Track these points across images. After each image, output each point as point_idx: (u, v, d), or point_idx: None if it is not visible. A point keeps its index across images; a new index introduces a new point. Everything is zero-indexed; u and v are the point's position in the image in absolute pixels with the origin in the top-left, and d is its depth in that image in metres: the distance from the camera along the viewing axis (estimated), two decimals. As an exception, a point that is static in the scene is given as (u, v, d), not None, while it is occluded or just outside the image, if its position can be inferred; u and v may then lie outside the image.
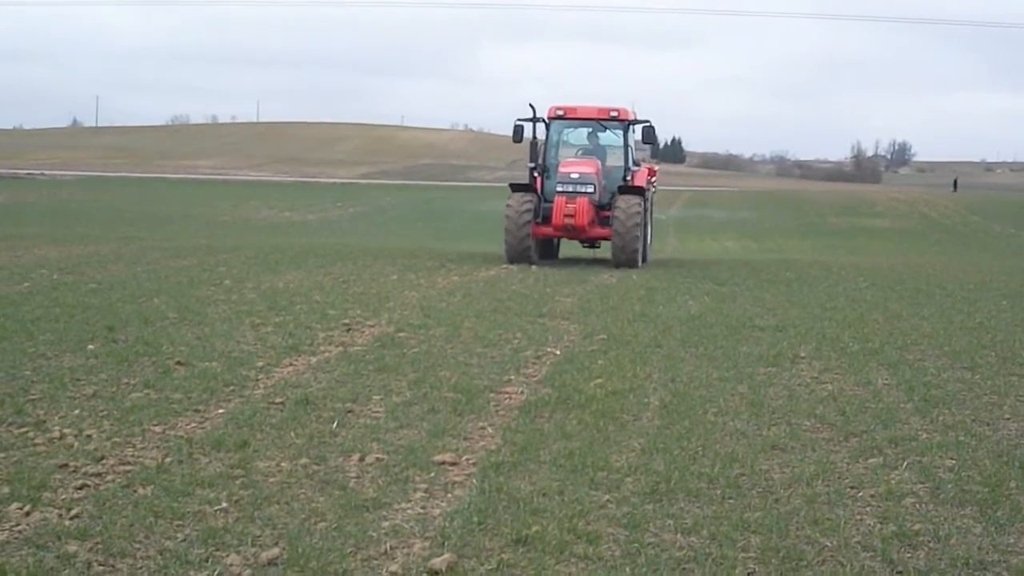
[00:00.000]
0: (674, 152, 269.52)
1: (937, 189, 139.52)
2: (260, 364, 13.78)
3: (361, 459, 9.72)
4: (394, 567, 7.17)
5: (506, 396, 12.46)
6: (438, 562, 7.13)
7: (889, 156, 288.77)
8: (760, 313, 19.37)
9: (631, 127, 32.13)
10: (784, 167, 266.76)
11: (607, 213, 30.36)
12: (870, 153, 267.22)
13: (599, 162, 31.28)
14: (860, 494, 8.95)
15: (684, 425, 11.08)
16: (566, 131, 32.99)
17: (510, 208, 30.24)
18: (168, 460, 9.50)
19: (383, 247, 34.30)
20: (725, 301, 21.18)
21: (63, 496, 8.49)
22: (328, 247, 34.80)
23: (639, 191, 30.63)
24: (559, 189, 29.92)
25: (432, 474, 9.32)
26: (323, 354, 14.68)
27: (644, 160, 36.70)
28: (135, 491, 8.65)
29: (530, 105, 31.93)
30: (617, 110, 31.69)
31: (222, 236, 41.81)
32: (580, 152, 32.75)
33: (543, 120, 31.97)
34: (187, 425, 10.77)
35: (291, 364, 13.92)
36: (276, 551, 7.38)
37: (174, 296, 19.77)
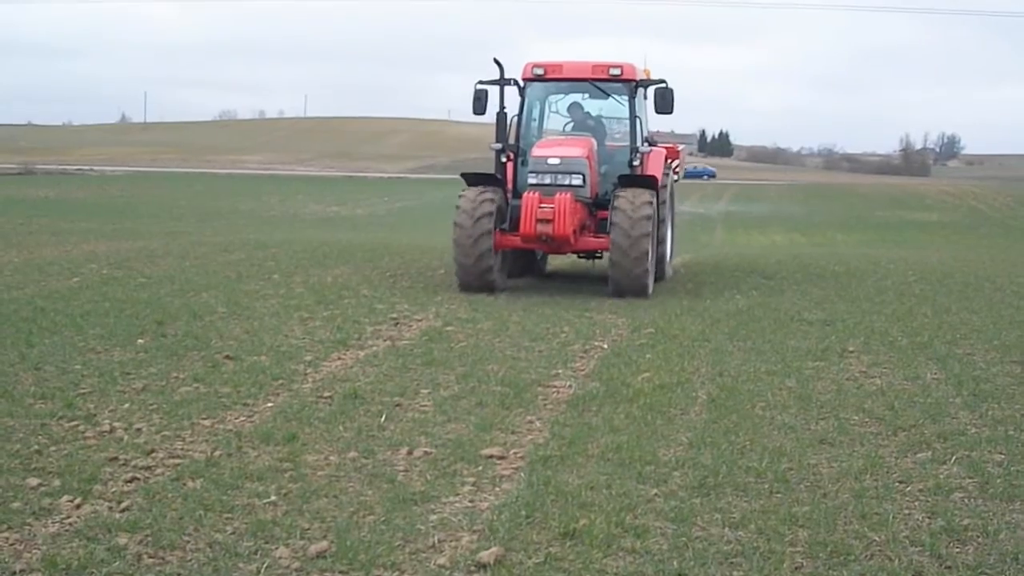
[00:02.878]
0: (721, 145, 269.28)
1: (986, 182, 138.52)
2: (308, 358, 13.83)
3: (409, 453, 9.75)
4: (442, 560, 7.19)
5: (554, 390, 12.46)
6: (486, 555, 7.15)
7: (938, 149, 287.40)
8: (808, 307, 19.28)
9: (640, 90, 22.85)
10: (832, 160, 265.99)
11: (604, 213, 21.44)
12: (919, 146, 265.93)
13: (593, 141, 22.24)
14: (909, 489, 8.91)
15: (732, 419, 11.06)
16: (550, 98, 23.90)
17: (461, 210, 20.86)
18: (217, 453, 9.56)
19: (430, 241, 34.25)
20: (773, 295, 21.10)
21: (113, 489, 8.56)
22: (375, 241, 34.81)
23: (651, 182, 21.53)
24: (531, 181, 21.11)
25: (480, 468, 9.34)
26: (371, 348, 14.72)
27: (660, 139, 26.18)
28: (184, 484, 8.71)
29: (495, 61, 22.64)
30: (620, 66, 22.38)
31: (270, 231, 41.91)
32: (570, 127, 23.65)
33: (515, 82, 22.78)
34: (236, 419, 10.83)
35: (339, 358, 13.96)
36: (325, 544, 7.41)
37: (223, 290, 19.84)
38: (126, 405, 11.21)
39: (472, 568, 7.04)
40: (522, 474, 9.12)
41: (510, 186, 22.47)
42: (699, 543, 7.55)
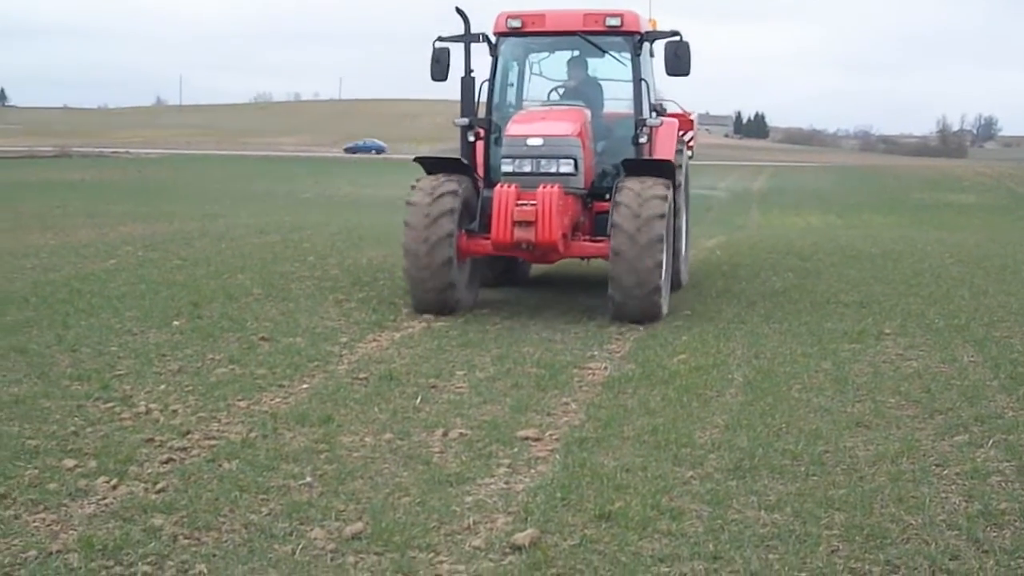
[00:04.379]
0: (757, 127, 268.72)
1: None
2: (344, 339, 13.85)
3: (445, 434, 9.76)
4: (477, 542, 7.19)
5: (589, 372, 12.45)
6: (521, 537, 7.14)
7: (975, 131, 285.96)
8: (844, 289, 19.20)
9: (646, 46, 17.79)
10: (868, 142, 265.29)
11: (605, 205, 16.66)
12: (955, 128, 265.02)
13: (586, 112, 17.19)
14: (945, 472, 8.86)
15: (768, 401, 11.03)
16: (531, 57, 18.83)
17: (413, 206, 16.19)
18: (253, 435, 9.58)
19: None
20: (809, 277, 21.01)
21: (149, 470, 8.60)
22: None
23: (663, 168, 16.79)
24: (506, 168, 16.39)
25: (515, 449, 9.34)
26: (407, 330, 14.74)
27: (670, 107, 20.52)
28: (220, 465, 8.74)
29: (458, 11, 17.70)
30: (619, 14, 17.59)
31: (305, 213, 41.96)
32: (558, 94, 18.52)
33: (484, 38, 17.92)
34: (272, 400, 10.86)
35: (375, 339, 13.98)
36: (360, 525, 7.42)
37: (258, 272, 19.88)
38: (162, 387, 11.26)
39: (507, 550, 7.04)
40: (557, 456, 9.12)
41: (481, 172, 17.64)
42: (735, 526, 7.53)
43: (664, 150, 18.20)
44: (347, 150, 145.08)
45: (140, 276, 18.94)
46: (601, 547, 7.12)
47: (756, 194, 78.47)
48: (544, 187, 15.76)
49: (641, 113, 17.46)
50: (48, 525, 7.39)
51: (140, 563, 6.77)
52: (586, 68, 18.47)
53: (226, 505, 7.81)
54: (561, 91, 18.48)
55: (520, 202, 15.71)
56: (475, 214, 16.70)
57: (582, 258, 18.60)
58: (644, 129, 17.41)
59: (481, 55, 19.03)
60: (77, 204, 41.17)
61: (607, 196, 16.53)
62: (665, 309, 16.17)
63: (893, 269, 22.54)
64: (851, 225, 49.96)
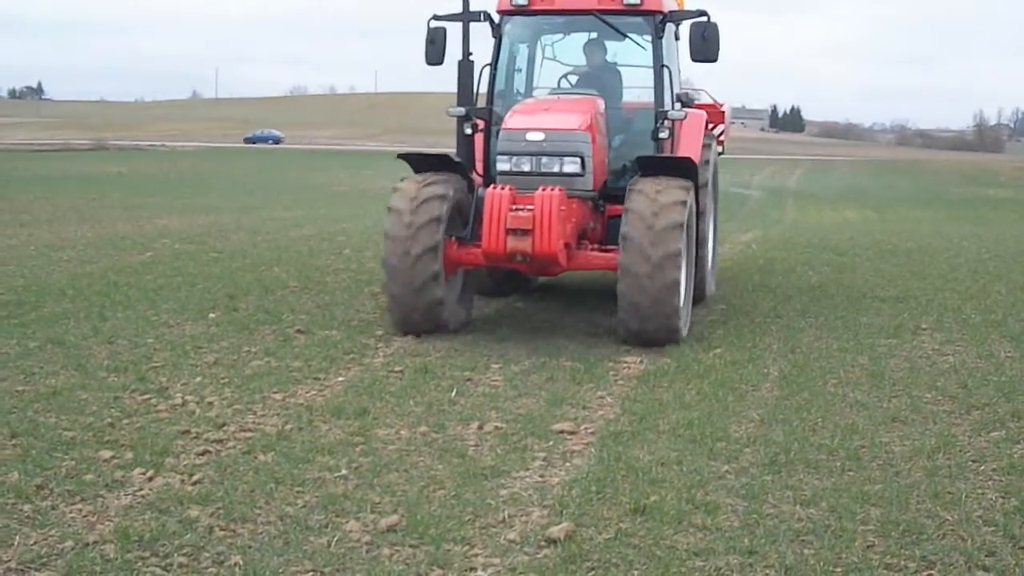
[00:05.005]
0: (793, 121, 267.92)
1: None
2: (379, 332, 13.88)
3: (480, 427, 9.77)
4: (512, 535, 7.20)
5: (625, 365, 12.44)
6: (556, 531, 7.14)
7: (1012, 125, 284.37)
8: (881, 284, 19.13)
9: (669, 27, 15.71)
10: (905, 136, 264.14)
11: (618, 209, 14.23)
12: (992, 122, 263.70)
13: (598, 102, 15.06)
14: (982, 468, 8.83)
15: (803, 396, 11.01)
16: (544, 39, 16.95)
17: (393, 211, 14.06)
18: (288, 427, 9.61)
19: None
20: (845, 271, 20.94)
21: (185, 462, 8.63)
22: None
23: (685, 167, 14.54)
24: (501, 167, 14.35)
25: (551, 443, 9.34)
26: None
27: (699, 97, 19.32)
28: (256, 457, 8.77)
29: None
30: None
31: (340, 206, 41.98)
32: (569, 81, 16.55)
33: (486, 17, 15.85)
34: (307, 393, 10.89)
35: (410, 332, 13.97)
36: (395, 518, 7.43)
37: (294, 265, 19.93)
38: (198, 379, 11.30)
39: (542, 543, 7.04)
40: (593, 449, 9.12)
41: (480, 170, 15.55)
42: (770, 520, 7.52)
43: (688, 146, 16.11)
44: (246, 140, 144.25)
45: (176, 269, 19.00)
46: (636, 541, 7.12)
47: (792, 188, 78.27)
48: (543, 190, 13.53)
49: (662, 104, 15.15)
50: (85, 516, 7.43)
51: (176, 554, 6.80)
52: (604, 52, 16.44)
53: (262, 497, 7.84)
54: (574, 78, 16.44)
55: (515, 207, 13.49)
56: (468, 219, 14.47)
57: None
58: (665, 123, 15.04)
59: (481, 35, 17.17)
60: (113, 197, 41.33)
61: (621, 197, 14.09)
62: (685, 331, 13.98)
63: (929, 264, 22.45)
64: (887, 220, 49.78)
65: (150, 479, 8.17)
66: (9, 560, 6.67)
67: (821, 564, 6.80)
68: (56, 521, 7.31)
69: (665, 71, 15.18)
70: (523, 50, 16.69)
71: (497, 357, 12.66)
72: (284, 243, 23.95)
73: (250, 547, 6.95)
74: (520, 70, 16.65)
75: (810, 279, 19.78)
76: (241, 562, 6.71)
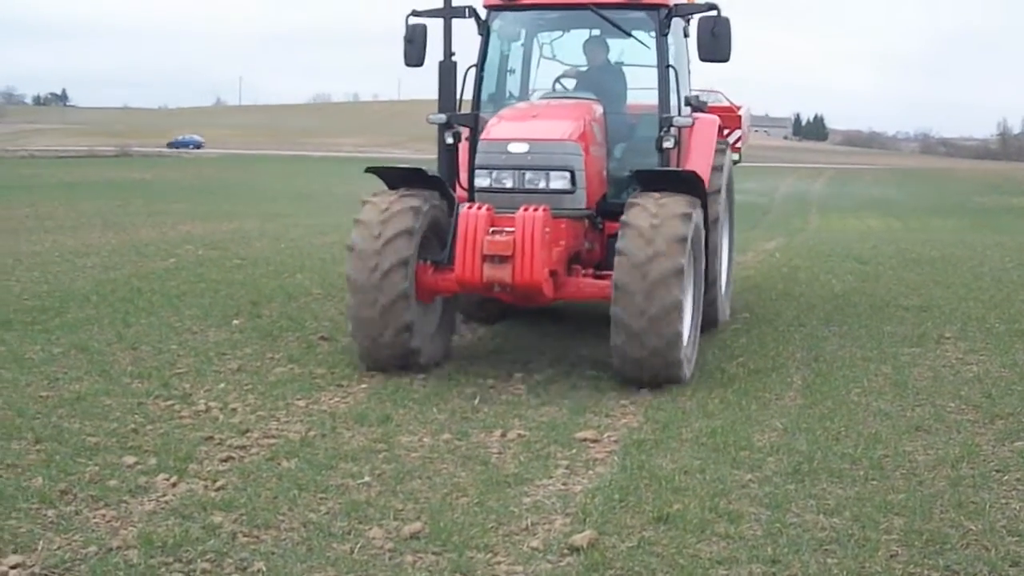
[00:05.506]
0: (816, 129, 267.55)
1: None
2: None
3: (503, 435, 9.78)
4: (535, 543, 7.20)
5: (647, 374, 12.41)
6: (579, 539, 7.14)
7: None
8: (904, 292, 19.07)
9: (676, 22, 13.94)
10: (928, 145, 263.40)
11: (616, 226, 12.46)
12: (1016, 131, 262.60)
13: (594, 108, 13.37)
14: (1006, 477, 8.79)
15: (827, 405, 10.98)
16: (539, 36, 15.13)
17: (359, 231, 12.39)
18: (312, 434, 9.64)
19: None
20: (868, 280, 20.88)
21: (208, 468, 8.66)
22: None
23: (691, 182, 12.95)
24: (479, 184, 12.73)
25: (574, 451, 9.35)
26: (464, 331, 14.74)
27: (711, 98, 18.31)
28: (279, 464, 8.80)
29: None
30: None
31: (363, 213, 41.98)
32: (562, 84, 14.86)
33: (471, 13, 14.12)
34: (330, 399, 10.93)
35: (432, 340, 13.98)
36: (418, 525, 7.45)
37: (317, 272, 19.97)
38: (221, 385, 11.34)
39: (565, 551, 7.04)
40: (616, 458, 9.12)
41: (463, 186, 13.64)
42: (793, 529, 7.51)
43: (698, 156, 14.58)
44: (169, 145, 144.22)
45: (200, 275, 19.05)
46: (659, 549, 7.11)
47: (815, 197, 78.15)
48: (526, 210, 11.87)
49: (667, 109, 13.45)
50: (108, 521, 7.46)
51: (199, 560, 6.82)
52: (606, 51, 14.55)
53: (285, 503, 7.86)
54: (571, 80, 14.78)
55: (494, 229, 11.85)
56: (446, 240, 12.73)
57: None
58: (671, 130, 13.32)
59: (465, 33, 14.42)
60: (137, 203, 41.50)
61: (619, 214, 12.40)
62: (688, 370, 12.16)
63: (953, 273, 22.37)
64: (911, 228, 49.69)
65: (173, 485, 8.20)
66: (33, 565, 6.70)
67: (844, 573, 6.79)
68: (80, 526, 7.34)
69: (671, 72, 13.48)
70: (516, 49, 14.88)
71: (520, 366, 12.68)
72: (307, 250, 24.00)
73: (273, 553, 6.96)
74: (513, 71, 14.85)
75: (833, 288, 19.73)
76: (264, 568, 6.73)
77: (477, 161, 12.74)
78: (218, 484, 8.23)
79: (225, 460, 8.87)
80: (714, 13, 13.15)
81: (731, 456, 9.17)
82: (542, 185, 12.40)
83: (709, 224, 13.81)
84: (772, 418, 10.47)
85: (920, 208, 68.73)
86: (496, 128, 12.78)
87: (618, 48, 14.66)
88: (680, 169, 13.53)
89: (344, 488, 8.26)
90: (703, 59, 13.31)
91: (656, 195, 12.32)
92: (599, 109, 13.34)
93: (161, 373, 11.72)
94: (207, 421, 10.02)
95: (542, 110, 13.44)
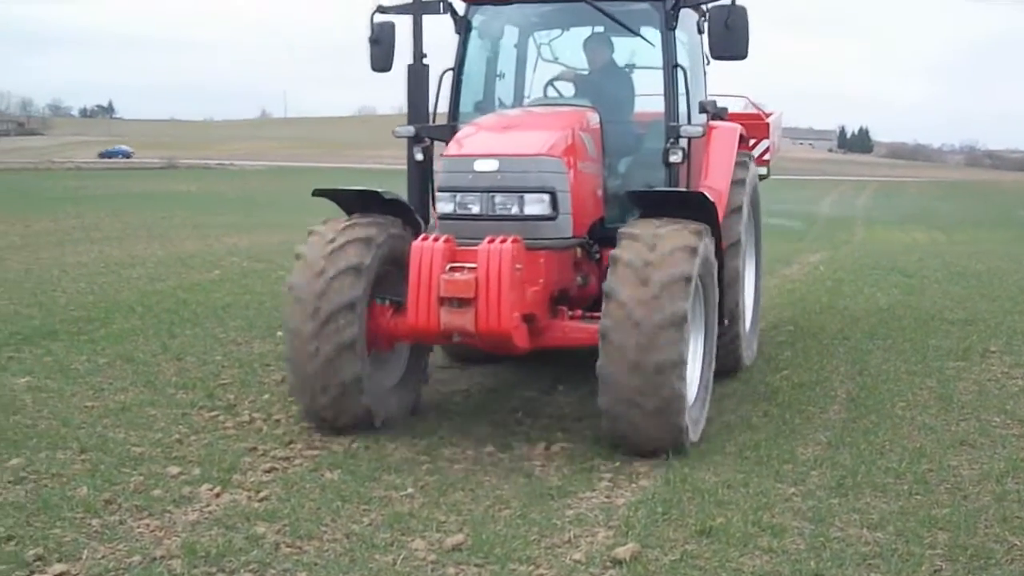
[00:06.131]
0: (861, 142, 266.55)
1: None
2: (445, 353, 13.86)
3: (546, 448, 9.78)
4: (577, 555, 7.19)
5: (691, 387, 12.38)
6: (622, 551, 7.13)
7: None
8: (949, 306, 18.96)
9: (686, 14, 11.91)
10: (974, 157, 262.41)
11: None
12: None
13: (586, 117, 11.24)
14: (1052, 492, 8.75)
15: (871, 419, 10.93)
16: (537, 36, 13.04)
17: (302, 260, 10.26)
18: (355, 445, 9.66)
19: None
20: (913, 293, 20.78)
21: (252, 479, 8.69)
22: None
23: (698, 204, 10.70)
24: (442, 210, 10.65)
25: (617, 464, 9.33)
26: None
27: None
28: (322, 475, 8.82)
29: None
30: None
31: (407, 225, 42.09)
32: (556, 88, 12.55)
33: (448, 8, 12.35)
34: (374, 411, 10.92)
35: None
36: (461, 537, 7.46)
37: (361, 284, 19.96)
38: (266, 396, 11.39)
39: (608, 564, 7.03)
40: (659, 471, 9.09)
41: (435, 212, 11.47)
42: (836, 543, 7.48)
43: (715, 171, 12.71)
44: (100, 155, 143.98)
45: (244, 287, 19.14)
46: (701, 563, 7.10)
47: (860, 209, 77.82)
48: (491, 241, 9.60)
49: (675, 116, 11.34)
50: (152, 531, 7.50)
51: (242, 570, 6.85)
52: (610, 51, 12.33)
53: (328, 514, 7.88)
54: (568, 85, 12.50)
55: (452, 266, 9.62)
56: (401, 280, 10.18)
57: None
58: (679, 141, 11.21)
59: (439, 31, 12.66)
60: (182, 215, 41.68)
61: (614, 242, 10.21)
62: (696, 433, 9.93)
63: (999, 286, 22.23)
64: (956, 241, 49.41)
65: (217, 495, 8.23)
66: (78, 574, 6.75)
67: (888, 588, 6.76)
68: (124, 536, 7.38)
69: (679, 73, 11.41)
70: (508, 50, 12.83)
71: (564, 379, 12.64)
72: (351, 262, 23.99)
73: (316, 564, 6.98)
74: (503, 76, 12.70)
75: (878, 301, 19.65)
76: (307, 579, 6.75)
77: (438, 182, 10.79)
78: (261, 495, 8.26)
79: (269, 471, 8.90)
80: (727, 2, 10.89)
81: (774, 469, 9.15)
82: (515, 210, 10.16)
83: (727, 249, 11.78)
84: (816, 431, 10.44)
85: (965, 221, 68.34)
86: (460, 142, 10.70)
87: (628, 48, 12.36)
88: (685, 189, 11.38)
89: (387, 500, 8.28)
90: (716, 56, 11.26)
91: (656, 222, 10.09)
92: (594, 118, 11.24)
93: (206, 384, 11.78)
94: (251, 432, 10.06)
95: (521, 120, 11.43)
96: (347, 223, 10.42)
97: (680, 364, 9.25)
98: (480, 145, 10.48)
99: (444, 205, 10.43)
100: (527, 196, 10.13)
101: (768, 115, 16.22)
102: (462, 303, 9.43)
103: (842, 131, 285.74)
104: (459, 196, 10.27)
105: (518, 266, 9.53)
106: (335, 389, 9.85)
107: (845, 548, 7.39)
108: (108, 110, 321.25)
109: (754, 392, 12.05)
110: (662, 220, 10.09)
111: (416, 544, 7.35)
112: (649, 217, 10.27)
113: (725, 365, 12.14)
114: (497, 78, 12.60)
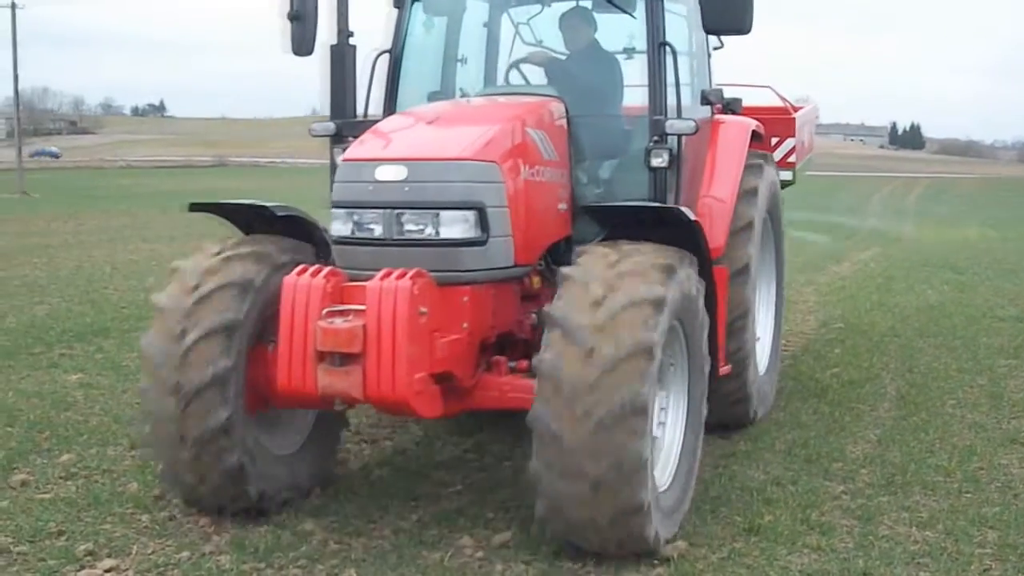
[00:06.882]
0: (913, 138, 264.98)
1: None
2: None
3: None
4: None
5: (740, 384, 12.33)
6: (669, 549, 7.11)
7: None
8: (1001, 303, 18.85)
9: None
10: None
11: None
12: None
13: (545, 107, 8.41)
14: (1103, 491, 8.69)
15: (921, 416, 10.88)
16: (511, 11, 10.13)
17: (159, 312, 7.68)
18: (404, 443, 9.67)
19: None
20: (964, 291, 20.67)
21: (302, 476, 8.69)
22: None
23: (677, 222, 7.83)
24: (335, 231, 7.72)
25: (664, 461, 9.30)
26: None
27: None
28: (371, 472, 8.87)
29: None
30: None
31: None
32: (521, 74, 9.78)
33: None
34: (423, 409, 10.93)
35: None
36: (508, 534, 7.47)
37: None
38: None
39: (655, 561, 7.02)
40: (707, 468, 9.05)
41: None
42: (885, 542, 7.45)
43: (718, 178, 9.97)
44: (31, 155, 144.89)
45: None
46: (749, 561, 7.09)
47: (911, 206, 77.38)
48: (384, 277, 7.01)
49: (660, 109, 8.69)
50: (201, 527, 7.55)
51: (291, 566, 6.88)
52: (593, 30, 9.62)
53: (376, 511, 7.90)
54: (537, 70, 9.83)
55: (332, 309, 7.10)
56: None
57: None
58: (664, 140, 8.58)
59: (371, 8, 10.71)
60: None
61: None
62: (667, 532, 7.18)
63: (1051, 283, 22.07)
64: (1008, 238, 49.05)
65: (266, 492, 8.25)
66: (127, 569, 6.81)
67: (937, 587, 6.74)
68: (173, 531, 7.45)
69: (666, 53, 8.73)
70: (471, 29, 10.28)
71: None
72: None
73: (364, 561, 7.01)
74: (465, 61, 10.15)
75: (929, 298, 19.54)
76: (355, 575, 6.76)
77: (332, 195, 7.90)
78: (311, 491, 8.28)
79: (318, 468, 8.92)
80: None
81: (823, 467, 9.12)
82: (429, 232, 7.40)
83: (733, 278, 9.64)
84: (865, 429, 10.40)
85: (1017, 218, 67.86)
86: (364, 142, 8.04)
87: (621, 28, 9.55)
88: (654, 203, 8.57)
89: (435, 497, 8.29)
90: (709, 28, 8.78)
91: (612, 253, 7.26)
92: (557, 110, 8.57)
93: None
94: (300, 429, 10.09)
95: (451, 113, 8.78)
96: (218, 255, 7.82)
97: (641, 465, 6.60)
98: (385, 147, 7.84)
99: (339, 225, 7.71)
100: (444, 214, 7.38)
101: (796, 109, 13.84)
102: (344, 360, 6.89)
103: (893, 127, 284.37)
104: (356, 214, 7.59)
105: (422, 309, 6.99)
106: (215, 478, 7.48)
107: (894, 546, 7.36)
108: (160, 109, 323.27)
109: (804, 389, 12.00)
110: (621, 249, 7.29)
111: (464, 541, 7.37)
112: (616, 238, 7.64)
113: (731, 419, 10.13)
114: (458, 63, 10.09)
